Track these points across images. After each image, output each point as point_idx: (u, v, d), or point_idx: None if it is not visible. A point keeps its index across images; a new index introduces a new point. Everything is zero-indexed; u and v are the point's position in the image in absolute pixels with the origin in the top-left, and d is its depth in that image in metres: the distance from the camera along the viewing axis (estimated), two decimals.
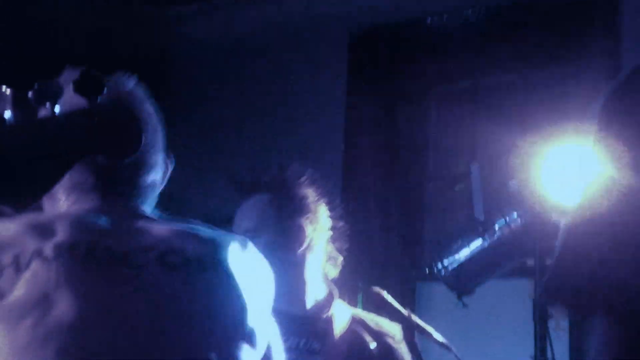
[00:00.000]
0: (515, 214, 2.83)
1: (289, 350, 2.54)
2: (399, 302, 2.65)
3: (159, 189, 1.58)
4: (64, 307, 1.30)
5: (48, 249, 1.35)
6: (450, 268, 2.78)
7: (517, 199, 2.88)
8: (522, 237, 2.83)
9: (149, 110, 1.61)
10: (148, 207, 1.53)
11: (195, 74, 4.62)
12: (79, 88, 1.09)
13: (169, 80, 4.47)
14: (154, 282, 1.37)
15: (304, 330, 2.54)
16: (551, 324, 2.92)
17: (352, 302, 3.89)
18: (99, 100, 1.11)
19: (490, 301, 3.53)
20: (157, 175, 1.56)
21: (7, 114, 1.08)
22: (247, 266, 1.54)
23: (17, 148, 1.07)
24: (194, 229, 1.48)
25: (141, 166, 1.52)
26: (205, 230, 1.50)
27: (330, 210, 2.60)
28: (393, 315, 2.62)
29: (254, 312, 1.51)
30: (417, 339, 2.63)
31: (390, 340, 2.62)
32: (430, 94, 4.00)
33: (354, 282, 3.82)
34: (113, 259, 1.38)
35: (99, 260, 1.36)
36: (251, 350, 1.49)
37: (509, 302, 3.67)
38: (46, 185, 1.12)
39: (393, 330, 2.61)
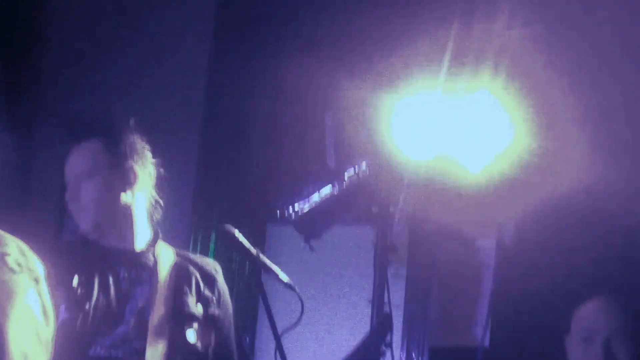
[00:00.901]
0: (364, 164, 2.92)
1: (121, 280, 2.66)
2: (250, 241, 2.74)
3: None
4: None
5: None
6: (300, 212, 2.85)
7: (366, 149, 2.98)
8: (369, 186, 2.93)
9: None
10: None
11: None
12: None
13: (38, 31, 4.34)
14: None
15: (134, 263, 2.68)
16: (390, 270, 3.05)
17: (205, 240, 3.95)
18: None
19: (336, 246, 3.65)
20: None
21: None
22: None
23: None
24: None
25: None
26: None
27: (154, 157, 2.78)
28: (243, 253, 2.72)
29: None
30: (263, 278, 2.73)
31: (212, 270, 2.80)
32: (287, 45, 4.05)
33: (209, 220, 3.87)
34: None
35: None
36: None
37: (353, 247, 3.80)
38: None
39: (213, 264, 2.82)
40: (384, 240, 3.02)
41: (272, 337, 2.64)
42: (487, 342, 3.59)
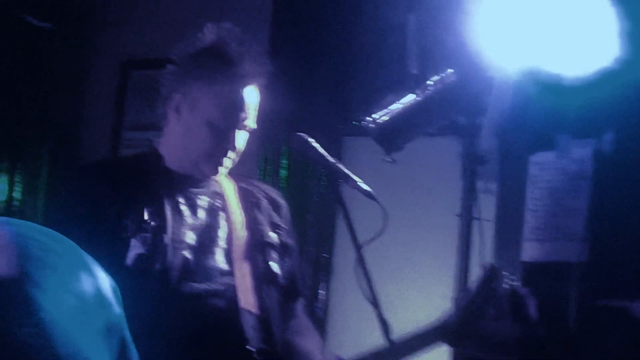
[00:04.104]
0: (449, 71, 2.74)
1: (198, 208, 2.54)
2: None
3: None
4: None
5: None
6: (380, 122, 2.69)
7: (452, 55, 2.80)
8: (455, 94, 2.75)
9: None
10: None
11: None
12: None
13: None
14: None
15: (207, 189, 2.56)
16: (479, 184, 2.90)
17: (276, 153, 3.83)
18: None
19: (419, 158, 3.49)
20: None
21: None
22: None
23: None
24: None
25: None
26: None
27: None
28: (319, 161, 2.57)
29: None
30: (341, 188, 2.59)
31: (277, 196, 2.68)
32: None
33: (278, 132, 3.74)
34: None
35: None
36: None
37: (437, 159, 3.63)
38: None
39: (273, 188, 2.71)
40: (472, 152, 2.86)
41: (350, 251, 2.51)
42: (584, 257, 3.42)
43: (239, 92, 2.46)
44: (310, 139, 2.55)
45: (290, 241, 2.66)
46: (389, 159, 2.72)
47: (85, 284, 1.02)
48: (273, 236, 2.60)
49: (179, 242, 2.42)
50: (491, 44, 2.80)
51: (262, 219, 2.61)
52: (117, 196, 2.42)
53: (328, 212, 3.88)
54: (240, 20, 3.73)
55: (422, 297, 3.68)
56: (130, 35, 4.41)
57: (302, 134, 2.57)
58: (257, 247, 2.55)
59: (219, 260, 2.48)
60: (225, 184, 2.61)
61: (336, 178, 2.56)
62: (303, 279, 2.75)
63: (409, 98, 2.72)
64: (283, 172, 3.89)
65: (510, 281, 2.68)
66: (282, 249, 2.62)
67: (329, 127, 3.76)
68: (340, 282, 3.94)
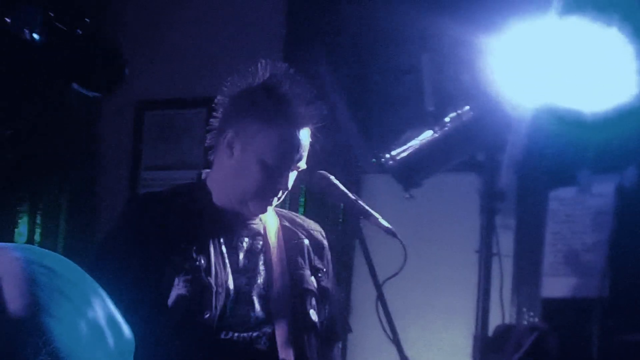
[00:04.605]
0: (467, 106, 2.75)
1: (239, 250, 2.48)
2: None
3: None
4: None
5: None
6: (398, 158, 2.70)
7: (469, 91, 2.81)
8: (473, 130, 2.77)
9: None
10: None
11: None
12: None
13: None
14: None
15: (250, 229, 2.51)
16: (498, 220, 2.89)
17: (296, 190, 3.84)
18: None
19: (438, 195, 3.49)
20: None
21: None
22: None
23: None
24: None
25: None
26: None
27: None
28: (339, 198, 2.56)
29: None
30: (361, 224, 2.59)
31: (320, 236, 2.61)
32: None
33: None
34: None
35: None
36: None
37: (456, 196, 3.63)
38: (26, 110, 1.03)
39: (317, 226, 2.62)
40: (490, 188, 2.87)
41: (369, 288, 2.50)
42: (605, 293, 3.40)
43: (295, 133, 2.42)
44: (331, 177, 2.55)
45: (330, 285, 2.58)
46: (407, 195, 2.72)
47: (97, 310, 1.04)
48: (313, 281, 2.53)
49: (220, 287, 2.37)
50: (509, 81, 2.81)
51: (302, 263, 2.54)
52: (164, 231, 2.39)
53: (345, 250, 3.87)
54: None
55: (442, 334, 3.66)
56: (144, 76, 4.44)
57: (323, 171, 2.57)
58: (296, 294, 2.48)
59: (257, 307, 2.42)
60: (269, 221, 2.55)
61: (357, 215, 2.55)
62: (342, 322, 2.68)
63: (427, 135, 2.73)
64: (300, 210, 3.90)
65: (529, 317, 2.67)
66: (322, 295, 2.54)
67: (348, 165, 3.78)
68: (359, 319, 3.92)
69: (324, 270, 2.58)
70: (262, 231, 2.51)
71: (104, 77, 1.44)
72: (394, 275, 2.47)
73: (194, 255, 2.36)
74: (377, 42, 3.72)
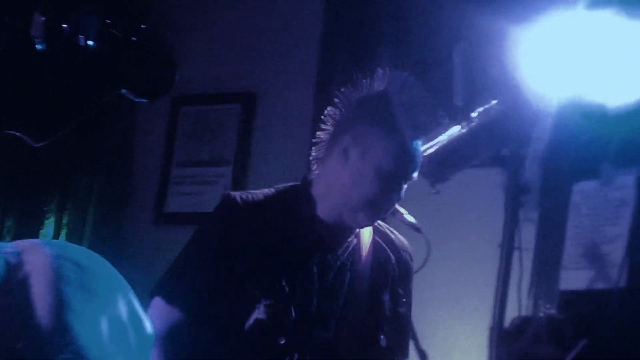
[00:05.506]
0: (494, 102, 2.74)
1: (336, 270, 2.42)
2: None
3: None
4: None
5: None
6: (426, 154, 2.70)
7: (497, 85, 2.80)
8: (500, 125, 2.75)
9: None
10: None
11: None
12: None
13: None
14: None
15: (343, 248, 2.45)
16: (521, 214, 2.89)
17: None
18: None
19: (462, 189, 3.48)
20: None
21: (40, 44, 1.00)
22: None
23: (48, 78, 0.99)
24: None
25: None
26: None
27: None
28: None
29: None
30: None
31: (408, 258, 2.56)
32: None
33: None
34: None
35: None
36: None
37: (480, 190, 3.63)
38: (75, 116, 1.05)
39: (406, 245, 2.55)
40: (515, 182, 2.86)
41: None
42: (623, 283, 3.39)
43: (413, 143, 2.41)
44: None
45: (405, 310, 2.53)
46: (433, 191, 2.72)
47: (121, 306, 1.05)
48: (390, 307, 2.49)
49: (300, 313, 2.32)
50: (534, 74, 2.79)
51: (383, 285, 2.48)
52: (254, 243, 2.33)
53: None
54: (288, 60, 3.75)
55: (460, 327, 3.66)
56: (181, 72, 4.42)
57: None
58: (371, 319, 2.44)
59: (332, 329, 2.38)
60: (363, 235, 2.49)
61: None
62: (409, 344, 2.60)
63: (454, 130, 2.72)
64: None
65: (545, 309, 2.68)
66: (396, 321, 2.50)
67: None
68: None
69: (405, 298, 2.52)
70: (354, 247, 2.45)
71: (154, 84, 1.43)
72: (417, 270, 2.47)
73: (281, 277, 2.30)
74: (410, 30, 3.68)
